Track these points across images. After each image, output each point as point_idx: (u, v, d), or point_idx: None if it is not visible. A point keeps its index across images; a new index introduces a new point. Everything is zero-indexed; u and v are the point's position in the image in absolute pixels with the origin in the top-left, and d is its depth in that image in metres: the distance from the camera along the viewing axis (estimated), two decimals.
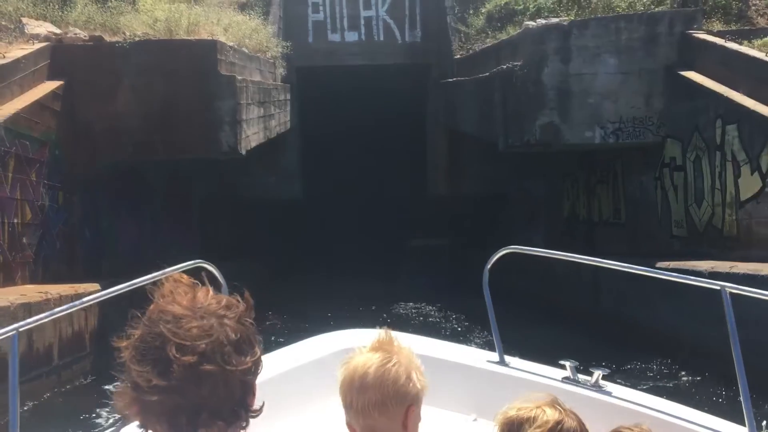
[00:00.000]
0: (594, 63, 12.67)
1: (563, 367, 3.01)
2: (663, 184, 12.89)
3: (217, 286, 2.13)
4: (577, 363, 2.95)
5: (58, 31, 13.01)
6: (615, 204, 14.84)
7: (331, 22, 22.31)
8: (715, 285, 2.77)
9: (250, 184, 19.32)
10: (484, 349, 4.07)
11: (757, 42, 11.75)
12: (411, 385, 1.72)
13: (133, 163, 13.54)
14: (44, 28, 12.72)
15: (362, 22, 22.38)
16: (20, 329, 2.26)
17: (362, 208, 27.00)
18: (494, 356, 3.29)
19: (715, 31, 12.93)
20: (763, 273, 8.49)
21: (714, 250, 11.11)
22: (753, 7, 18.18)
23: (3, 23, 12.82)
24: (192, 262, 2.78)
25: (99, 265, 12.86)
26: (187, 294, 1.27)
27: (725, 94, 10.91)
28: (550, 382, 2.95)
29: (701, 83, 11.54)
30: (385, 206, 26.37)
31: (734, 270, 9.05)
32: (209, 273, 2.51)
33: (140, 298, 1.39)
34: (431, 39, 21.28)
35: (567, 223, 17.34)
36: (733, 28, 14.03)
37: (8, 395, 2.25)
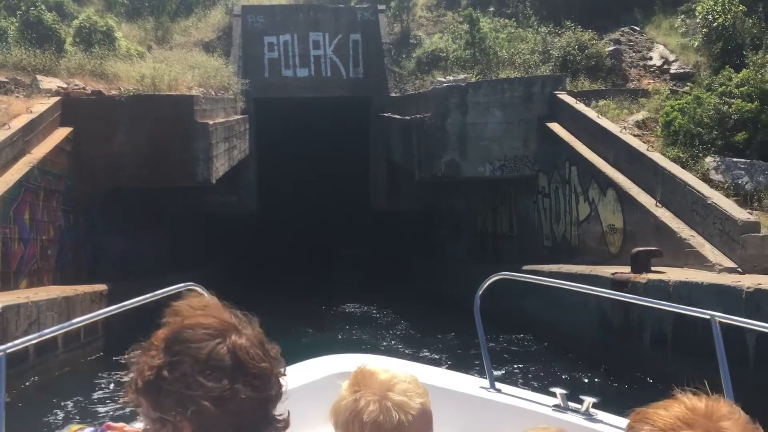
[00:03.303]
0: (485, 115, 16.56)
1: (553, 394, 3.02)
2: (538, 207, 16.84)
3: None
4: (568, 391, 2.99)
5: (64, 85, 16.31)
6: (510, 221, 18.75)
7: (285, 59, 25.78)
8: (706, 314, 2.84)
9: (213, 202, 22.30)
10: (473, 373, 4.27)
11: (601, 102, 15.81)
12: (410, 417, 1.64)
13: (119, 189, 16.76)
14: (54, 83, 16.01)
15: (312, 59, 25.91)
16: (7, 350, 2.31)
17: (310, 223, 30.82)
18: (485, 382, 3.27)
19: (575, 91, 16.95)
20: (573, 271, 12.43)
21: (566, 257, 15.05)
22: (629, 59, 22.27)
23: (20, 78, 16.09)
24: (183, 284, 2.83)
25: (96, 271, 16.16)
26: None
27: (571, 143, 14.92)
28: (541, 409, 2.96)
29: (558, 133, 15.53)
30: (331, 220, 30.08)
31: (561, 270, 12.99)
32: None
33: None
34: (372, 76, 24.84)
35: (480, 235, 21.15)
36: (597, 86, 18.07)
37: None
